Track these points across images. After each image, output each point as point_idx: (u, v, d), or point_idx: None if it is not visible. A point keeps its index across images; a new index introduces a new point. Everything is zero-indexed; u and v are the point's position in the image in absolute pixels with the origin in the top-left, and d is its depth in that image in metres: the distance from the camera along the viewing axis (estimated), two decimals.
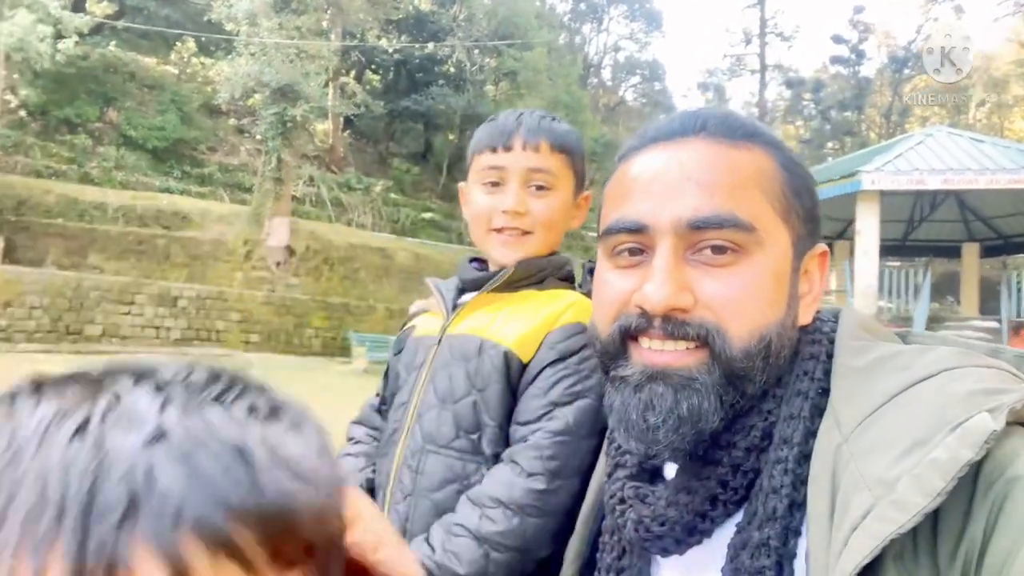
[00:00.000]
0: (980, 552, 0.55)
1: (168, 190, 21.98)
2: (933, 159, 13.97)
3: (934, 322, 15.09)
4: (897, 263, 16.81)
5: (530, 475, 1.06)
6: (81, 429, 0.32)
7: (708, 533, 0.74)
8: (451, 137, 28.90)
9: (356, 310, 20.03)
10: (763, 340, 0.72)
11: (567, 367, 1.13)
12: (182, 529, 0.30)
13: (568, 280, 1.28)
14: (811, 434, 0.69)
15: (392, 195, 26.52)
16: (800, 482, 0.68)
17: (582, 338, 1.12)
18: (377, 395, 1.44)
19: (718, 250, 0.72)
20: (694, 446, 0.73)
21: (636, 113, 49.42)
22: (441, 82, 28.11)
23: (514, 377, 1.15)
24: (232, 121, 26.59)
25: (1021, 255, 18.89)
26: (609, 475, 0.84)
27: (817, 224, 0.79)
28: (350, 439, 1.43)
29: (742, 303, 0.71)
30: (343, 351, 18.23)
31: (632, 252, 0.76)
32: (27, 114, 21.70)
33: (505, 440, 1.14)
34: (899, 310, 15.37)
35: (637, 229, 0.75)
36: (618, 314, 0.77)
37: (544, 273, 1.24)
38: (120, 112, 23.79)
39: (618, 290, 0.77)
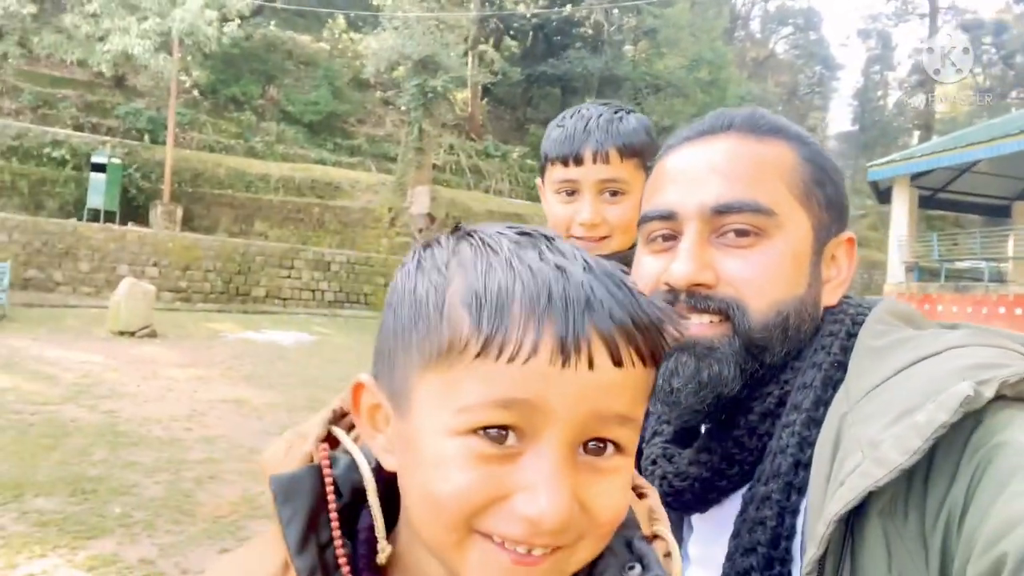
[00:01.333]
0: (962, 511, 0.59)
1: (322, 161, 23.44)
2: None
3: None
4: None
5: None
6: (543, 254, 0.48)
7: (726, 492, 0.80)
8: (589, 101, 28.57)
9: None
10: (781, 314, 0.77)
11: None
12: (613, 325, 0.46)
13: None
14: (822, 403, 0.75)
15: (528, 161, 26.78)
16: (807, 444, 0.73)
17: None
18: None
19: (741, 233, 0.78)
20: (716, 410, 0.79)
21: (787, 67, 46.46)
22: (579, 44, 27.84)
23: None
24: (378, 94, 27.82)
25: None
26: (647, 440, 0.92)
27: (843, 212, 0.84)
28: None
29: (761, 280, 0.77)
30: None
31: (665, 238, 0.84)
32: (199, 94, 23.81)
33: None
34: None
35: (667, 216, 0.82)
36: (650, 292, 0.84)
37: None
38: (279, 89, 25.53)
39: (651, 271, 0.85)
